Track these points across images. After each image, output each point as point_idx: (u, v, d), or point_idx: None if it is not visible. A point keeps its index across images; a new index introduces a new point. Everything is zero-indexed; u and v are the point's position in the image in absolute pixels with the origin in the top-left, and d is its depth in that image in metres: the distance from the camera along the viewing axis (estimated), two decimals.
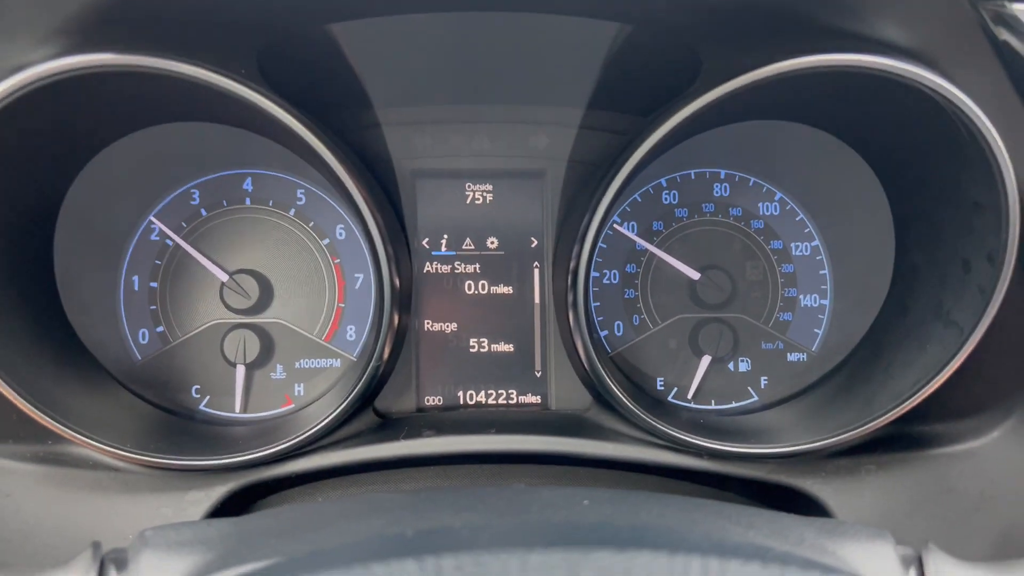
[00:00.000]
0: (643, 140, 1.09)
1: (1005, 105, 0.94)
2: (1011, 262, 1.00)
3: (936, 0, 0.90)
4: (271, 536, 0.78)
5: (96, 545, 0.77)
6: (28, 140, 1.02)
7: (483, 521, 0.76)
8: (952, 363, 1.06)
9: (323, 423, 1.16)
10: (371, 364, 1.18)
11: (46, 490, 1.12)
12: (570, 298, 1.20)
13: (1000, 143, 0.95)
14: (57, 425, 1.07)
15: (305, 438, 1.15)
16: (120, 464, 1.13)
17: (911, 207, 1.24)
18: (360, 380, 1.18)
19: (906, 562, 0.70)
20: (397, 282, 1.18)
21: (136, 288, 1.31)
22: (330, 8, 1.07)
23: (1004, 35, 0.93)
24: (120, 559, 0.72)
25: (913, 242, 1.24)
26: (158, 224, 1.31)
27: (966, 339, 1.05)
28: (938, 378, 1.07)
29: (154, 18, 0.93)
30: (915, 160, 1.16)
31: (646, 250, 1.36)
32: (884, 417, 1.10)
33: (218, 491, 1.14)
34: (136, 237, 1.31)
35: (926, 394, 1.09)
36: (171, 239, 1.31)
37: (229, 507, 1.15)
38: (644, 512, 0.89)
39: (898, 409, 1.10)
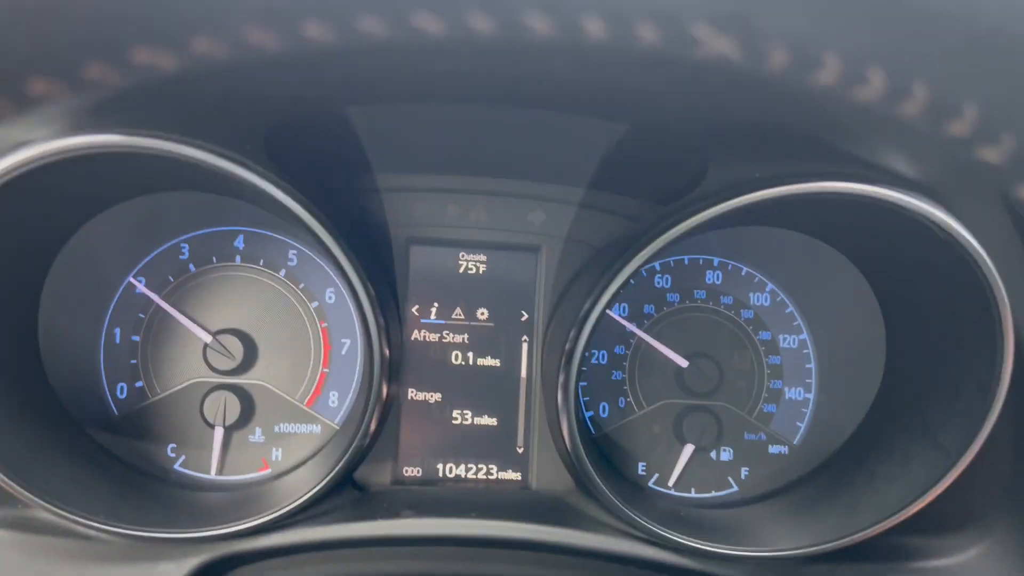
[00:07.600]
0: (652, 240, 1.07)
1: (1006, 246, 0.95)
2: (1002, 394, 1.01)
3: (948, 142, 0.90)
4: None
5: None
6: (21, 210, 0.99)
7: None
8: (937, 486, 1.07)
9: (304, 497, 1.14)
10: (357, 438, 1.16)
11: (15, 557, 1.09)
12: (561, 378, 1.18)
13: (1000, 283, 0.96)
14: (28, 494, 1.04)
15: (284, 512, 1.13)
16: (91, 533, 1.10)
17: (904, 324, 1.25)
18: (345, 454, 1.16)
19: None
20: (387, 352, 1.16)
21: (117, 341, 1.28)
22: (349, 95, 1.06)
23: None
24: None
25: (904, 356, 1.25)
26: (140, 281, 1.28)
27: (953, 463, 1.06)
28: (922, 499, 1.08)
29: (163, 98, 0.91)
30: (912, 282, 1.17)
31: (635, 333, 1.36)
32: (867, 531, 1.10)
33: (191, 563, 1.11)
34: (120, 290, 1.28)
35: (909, 513, 1.09)
36: (153, 297, 1.28)
37: None
38: None
39: (881, 525, 1.10)
